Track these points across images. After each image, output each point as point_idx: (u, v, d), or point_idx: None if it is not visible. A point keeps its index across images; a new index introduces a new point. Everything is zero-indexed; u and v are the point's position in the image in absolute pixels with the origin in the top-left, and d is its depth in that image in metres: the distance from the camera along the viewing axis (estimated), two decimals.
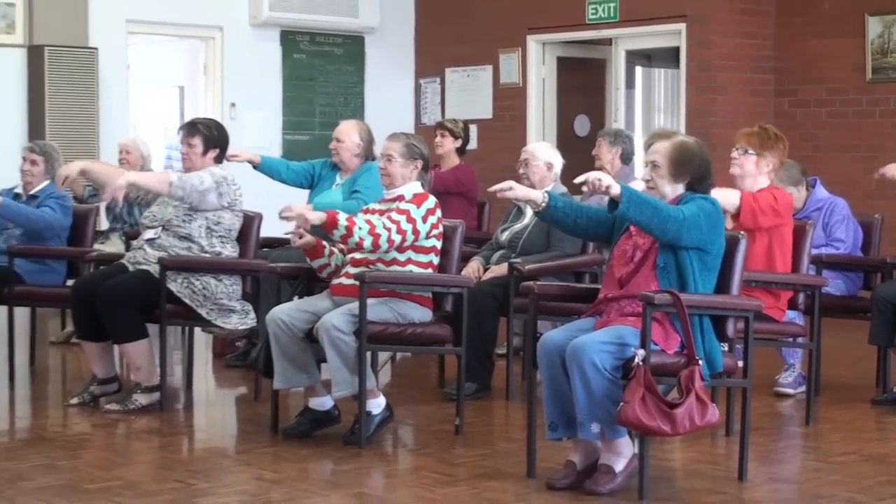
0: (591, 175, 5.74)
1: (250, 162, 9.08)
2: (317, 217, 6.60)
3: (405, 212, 6.72)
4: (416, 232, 6.74)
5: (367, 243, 6.59)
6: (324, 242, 6.91)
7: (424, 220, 6.76)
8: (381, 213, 6.77)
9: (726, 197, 7.12)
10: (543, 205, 5.93)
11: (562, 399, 5.77)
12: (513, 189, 6.01)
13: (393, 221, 6.67)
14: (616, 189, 5.64)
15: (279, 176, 9.16)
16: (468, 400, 7.23)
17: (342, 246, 6.91)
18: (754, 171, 7.53)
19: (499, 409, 7.83)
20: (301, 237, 6.80)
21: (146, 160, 10.09)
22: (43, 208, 8.47)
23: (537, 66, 14.05)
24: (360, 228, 6.56)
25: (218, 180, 7.55)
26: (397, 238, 6.66)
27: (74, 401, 7.66)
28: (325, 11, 14.22)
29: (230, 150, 8.28)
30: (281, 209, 6.62)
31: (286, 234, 7.00)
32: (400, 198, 6.85)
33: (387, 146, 6.99)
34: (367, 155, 8.71)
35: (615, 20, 13.33)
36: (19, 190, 8.73)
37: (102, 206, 10.21)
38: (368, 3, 14.49)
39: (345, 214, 6.63)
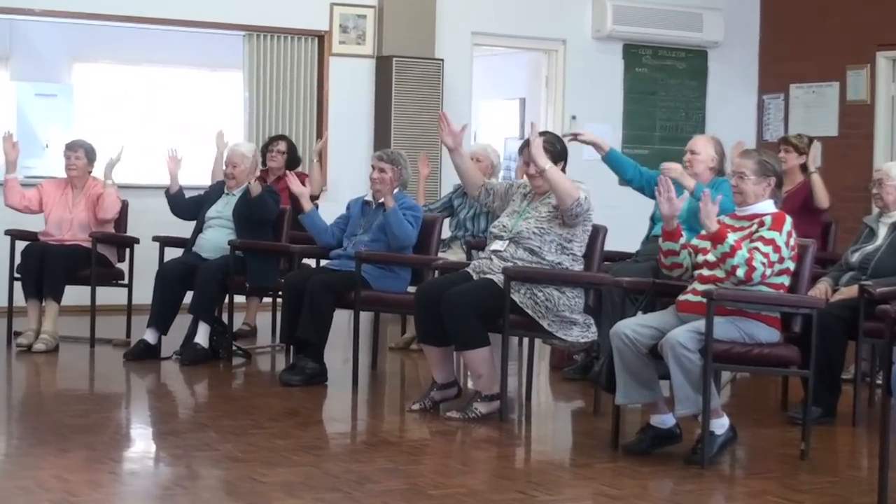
0: None
1: (596, 146, 8.80)
2: (708, 225, 6.55)
3: (771, 241, 6.54)
4: (780, 260, 6.59)
5: (741, 272, 6.46)
6: (682, 230, 6.82)
7: (787, 244, 6.59)
8: (745, 237, 6.59)
9: None
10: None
11: None
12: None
13: (764, 254, 6.50)
14: None
15: (624, 174, 8.90)
16: (813, 424, 6.97)
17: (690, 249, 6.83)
18: None
19: (844, 435, 7.54)
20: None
21: (495, 168, 10.11)
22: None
23: (887, 83, 13.60)
24: (740, 256, 6.45)
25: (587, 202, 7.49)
26: (768, 272, 6.53)
27: (415, 406, 7.72)
28: (669, 25, 14.13)
29: (576, 130, 8.80)
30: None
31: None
32: (754, 216, 6.68)
33: (739, 163, 6.82)
34: (719, 169, 8.50)
35: None
36: (368, 198, 8.77)
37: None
38: (713, 17, 14.33)
39: (734, 236, 6.53)
